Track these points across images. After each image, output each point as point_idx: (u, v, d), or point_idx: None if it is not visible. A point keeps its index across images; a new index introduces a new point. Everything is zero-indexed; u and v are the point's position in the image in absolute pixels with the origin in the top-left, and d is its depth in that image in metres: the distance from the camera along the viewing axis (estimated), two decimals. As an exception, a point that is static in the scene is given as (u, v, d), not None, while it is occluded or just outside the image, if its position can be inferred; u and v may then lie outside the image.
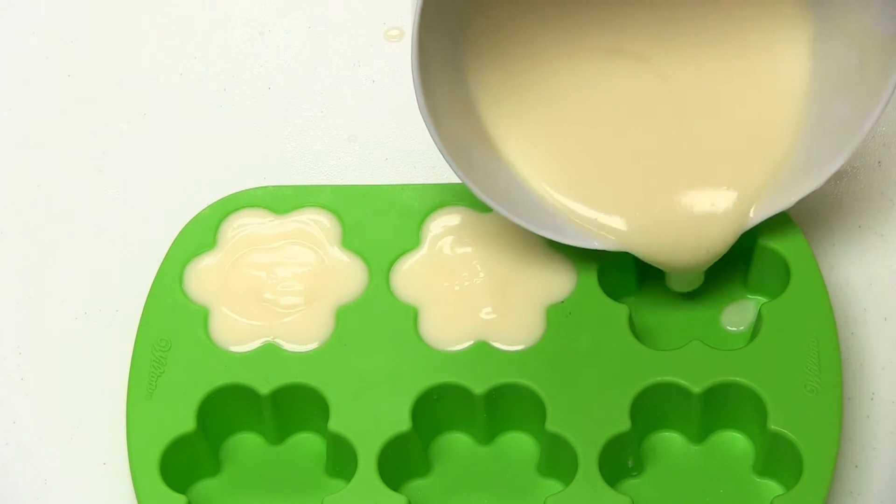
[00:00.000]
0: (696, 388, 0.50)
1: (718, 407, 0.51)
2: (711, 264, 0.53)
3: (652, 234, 0.52)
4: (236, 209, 0.55)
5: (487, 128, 0.53)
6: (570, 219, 0.52)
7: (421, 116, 0.49)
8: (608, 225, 0.52)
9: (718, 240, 0.52)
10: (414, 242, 0.54)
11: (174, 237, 0.55)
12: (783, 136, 0.53)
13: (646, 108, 0.53)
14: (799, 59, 0.53)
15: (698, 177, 0.53)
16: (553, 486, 0.51)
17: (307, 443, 0.52)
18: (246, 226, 0.55)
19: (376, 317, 0.52)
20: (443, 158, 0.50)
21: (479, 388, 0.51)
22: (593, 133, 0.53)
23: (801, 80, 0.53)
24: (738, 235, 0.52)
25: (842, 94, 0.52)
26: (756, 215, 0.52)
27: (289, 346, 0.52)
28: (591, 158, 0.53)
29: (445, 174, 0.52)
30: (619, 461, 0.50)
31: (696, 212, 0.52)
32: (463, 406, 0.51)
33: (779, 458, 0.50)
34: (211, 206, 0.55)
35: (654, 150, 0.53)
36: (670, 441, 0.52)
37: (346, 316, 0.52)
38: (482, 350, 0.51)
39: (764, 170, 0.53)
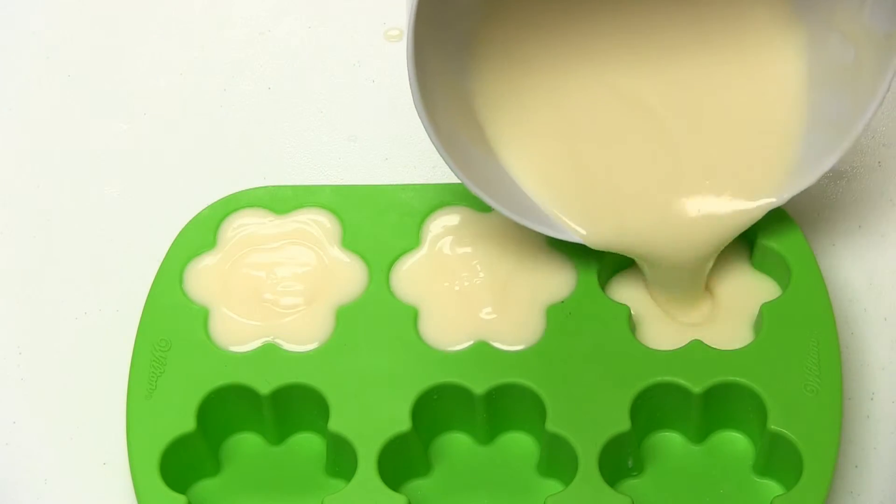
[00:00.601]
0: (696, 388, 0.50)
1: (718, 407, 0.51)
2: (706, 266, 0.53)
3: (642, 235, 0.52)
4: (236, 209, 0.55)
5: (485, 129, 0.53)
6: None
7: (416, 112, 0.49)
8: (600, 228, 0.52)
9: (714, 239, 0.52)
10: (414, 242, 0.54)
11: (174, 237, 0.55)
12: (780, 135, 0.53)
13: (643, 116, 0.53)
14: (794, 59, 0.53)
15: (694, 179, 0.53)
16: (553, 486, 0.51)
17: (307, 443, 0.52)
18: (246, 226, 0.55)
19: (376, 317, 0.52)
20: (440, 156, 0.50)
21: (479, 388, 0.51)
22: (590, 140, 0.53)
23: (796, 80, 0.53)
24: (734, 234, 0.52)
25: (838, 93, 0.52)
26: (753, 213, 0.52)
27: (289, 346, 0.52)
28: (587, 164, 0.53)
29: (445, 174, 0.52)
30: (619, 461, 0.50)
31: (693, 214, 0.52)
32: (463, 406, 0.51)
33: (779, 458, 0.50)
34: (211, 206, 0.55)
35: (651, 154, 0.53)
36: (670, 441, 0.52)
37: (346, 316, 0.52)
38: (482, 350, 0.51)
39: (761, 169, 0.53)
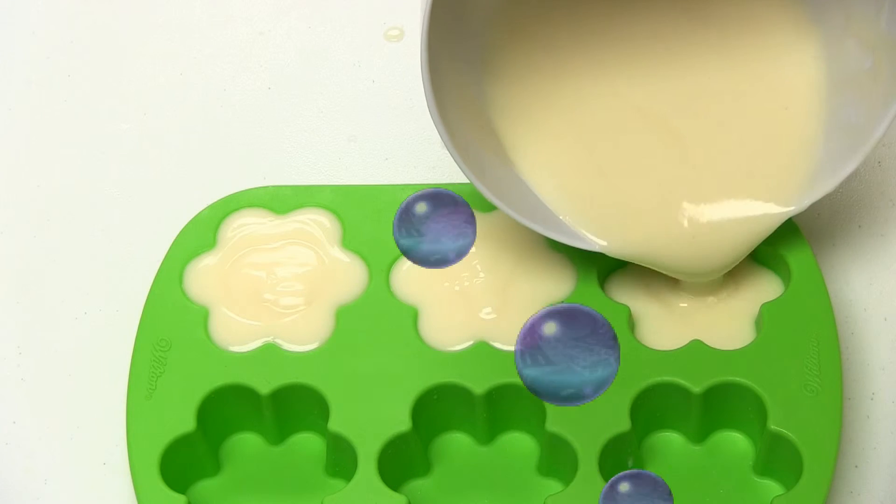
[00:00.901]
0: (696, 388, 0.50)
1: (718, 407, 0.51)
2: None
3: (663, 246, 0.52)
4: (236, 209, 0.55)
5: (501, 138, 0.53)
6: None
7: (431, 117, 0.49)
8: (620, 239, 0.52)
9: (735, 249, 0.52)
10: (414, 242, 0.54)
11: (174, 237, 0.55)
12: (798, 142, 0.53)
13: (659, 125, 0.53)
14: (810, 65, 0.53)
15: (713, 189, 0.53)
16: (553, 486, 0.51)
17: (307, 443, 0.52)
18: (246, 226, 0.55)
19: (376, 317, 0.52)
20: (452, 159, 0.50)
21: (479, 388, 0.51)
22: (607, 149, 0.53)
23: (813, 86, 0.53)
24: (756, 244, 0.52)
25: (855, 98, 0.52)
26: (773, 221, 0.52)
27: (289, 346, 0.52)
28: (604, 174, 0.53)
29: (445, 174, 0.52)
30: (619, 461, 0.50)
31: (713, 224, 0.52)
32: (463, 406, 0.51)
33: (779, 458, 0.50)
34: (211, 206, 0.55)
35: (668, 164, 0.53)
36: (670, 441, 0.52)
37: (346, 316, 0.52)
38: (482, 350, 0.51)
39: (780, 177, 0.53)
